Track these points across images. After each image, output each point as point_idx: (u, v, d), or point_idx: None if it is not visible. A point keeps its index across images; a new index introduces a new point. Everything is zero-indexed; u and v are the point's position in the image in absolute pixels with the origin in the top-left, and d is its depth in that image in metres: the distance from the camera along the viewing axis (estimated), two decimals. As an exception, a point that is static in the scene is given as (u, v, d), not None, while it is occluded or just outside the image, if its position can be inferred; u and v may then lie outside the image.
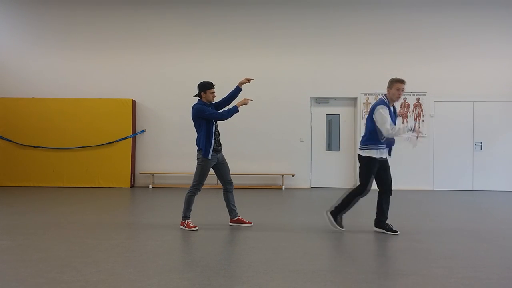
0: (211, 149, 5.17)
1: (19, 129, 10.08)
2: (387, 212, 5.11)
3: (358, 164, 5.14)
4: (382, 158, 5.00)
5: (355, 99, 10.43)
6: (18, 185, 9.97)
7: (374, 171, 4.99)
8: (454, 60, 10.36)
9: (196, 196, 5.26)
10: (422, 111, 10.33)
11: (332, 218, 5.13)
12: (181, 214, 5.29)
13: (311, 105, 10.49)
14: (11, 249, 4.14)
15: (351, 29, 10.45)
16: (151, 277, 3.29)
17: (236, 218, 5.44)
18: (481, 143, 10.28)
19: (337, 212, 5.14)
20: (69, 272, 3.39)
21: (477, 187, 10.29)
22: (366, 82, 10.38)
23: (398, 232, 5.05)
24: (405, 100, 10.35)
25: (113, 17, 10.58)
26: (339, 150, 10.53)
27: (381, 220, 5.13)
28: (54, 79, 10.49)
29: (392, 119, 4.96)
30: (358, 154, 5.10)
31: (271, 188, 10.19)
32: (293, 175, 10.30)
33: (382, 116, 4.84)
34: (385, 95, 5.07)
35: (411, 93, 10.35)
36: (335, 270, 3.56)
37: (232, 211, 5.44)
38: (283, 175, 10.24)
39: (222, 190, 5.49)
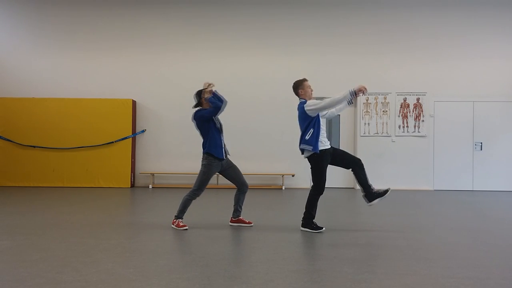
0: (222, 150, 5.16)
1: (19, 129, 10.08)
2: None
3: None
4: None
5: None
6: (18, 185, 9.98)
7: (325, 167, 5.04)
8: (454, 60, 10.37)
9: (194, 201, 5.24)
10: (422, 111, 10.33)
11: (309, 229, 5.08)
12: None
13: (311, 105, 10.48)
14: (11, 249, 4.14)
15: (351, 29, 10.45)
16: (151, 277, 3.29)
17: (237, 218, 5.43)
18: (481, 143, 10.28)
19: (308, 220, 5.11)
20: (69, 272, 3.39)
21: (477, 187, 10.29)
22: (366, 82, 10.27)
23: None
24: (405, 100, 10.35)
25: (113, 17, 10.59)
26: (339, 150, 10.53)
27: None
28: (54, 79, 10.50)
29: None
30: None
31: (271, 188, 10.19)
32: (293, 175, 10.30)
33: (314, 101, 5.00)
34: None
35: (411, 93, 10.35)
36: (335, 270, 3.56)
37: (236, 211, 5.42)
38: (283, 175, 10.24)
39: (236, 189, 5.44)
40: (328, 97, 5.07)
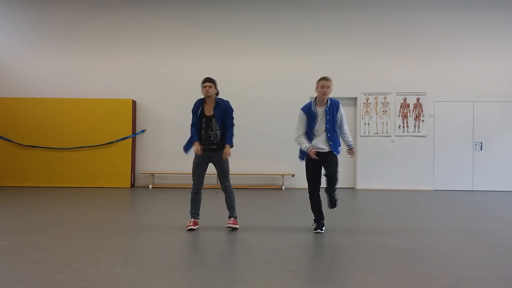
0: (191, 145, 5.24)
1: (19, 129, 10.07)
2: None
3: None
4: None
5: (355, 99, 10.43)
6: (18, 185, 9.97)
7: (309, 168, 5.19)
8: (454, 60, 10.37)
9: (199, 195, 5.20)
10: (422, 111, 10.33)
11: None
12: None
13: (311, 105, 10.48)
14: (11, 249, 4.14)
15: (351, 29, 10.45)
16: (151, 277, 3.29)
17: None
18: (481, 143, 10.28)
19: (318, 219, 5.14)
20: (69, 272, 3.39)
21: (477, 187, 10.29)
22: (366, 82, 10.38)
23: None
24: (405, 100, 10.35)
25: (113, 17, 10.58)
26: (339, 150, 10.53)
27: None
28: (54, 79, 10.49)
29: (314, 122, 5.23)
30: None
31: (271, 188, 10.18)
32: (293, 175, 10.29)
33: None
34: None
35: (411, 93, 10.35)
36: (335, 270, 3.56)
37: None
38: (283, 175, 10.24)
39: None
40: (330, 98, 5.19)
